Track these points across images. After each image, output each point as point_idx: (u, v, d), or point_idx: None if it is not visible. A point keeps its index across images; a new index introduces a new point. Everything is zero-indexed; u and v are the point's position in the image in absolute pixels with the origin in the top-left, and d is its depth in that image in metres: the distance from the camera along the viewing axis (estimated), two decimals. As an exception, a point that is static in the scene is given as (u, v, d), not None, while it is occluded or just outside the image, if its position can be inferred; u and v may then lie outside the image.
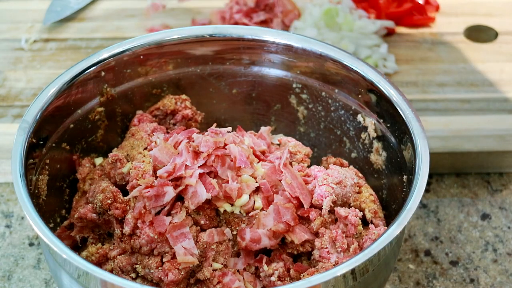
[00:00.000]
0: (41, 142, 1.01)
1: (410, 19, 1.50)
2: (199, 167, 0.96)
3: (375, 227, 0.99)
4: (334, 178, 1.00)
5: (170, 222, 0.95)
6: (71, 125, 1.06)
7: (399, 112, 1.01)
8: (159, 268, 0.95)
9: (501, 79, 1.39)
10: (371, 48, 1.43)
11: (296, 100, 1.14)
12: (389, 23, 1.48)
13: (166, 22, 1.52)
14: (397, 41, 1.48)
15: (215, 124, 1.06)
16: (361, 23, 1.47)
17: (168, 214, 0.96)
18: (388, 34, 1.49)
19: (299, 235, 0.97)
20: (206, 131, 1.01)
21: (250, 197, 0.98)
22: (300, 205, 0.99)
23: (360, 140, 1.10)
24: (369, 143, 1.09)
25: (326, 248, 0.97)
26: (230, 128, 1.02)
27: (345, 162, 1.09)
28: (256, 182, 0.99)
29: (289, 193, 0.98)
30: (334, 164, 1.07)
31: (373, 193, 1.04)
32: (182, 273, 0.94)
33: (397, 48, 1.46)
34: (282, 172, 0.99)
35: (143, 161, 0.99)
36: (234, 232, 0.98)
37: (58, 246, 0.86)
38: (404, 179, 1.00)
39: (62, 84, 1.03)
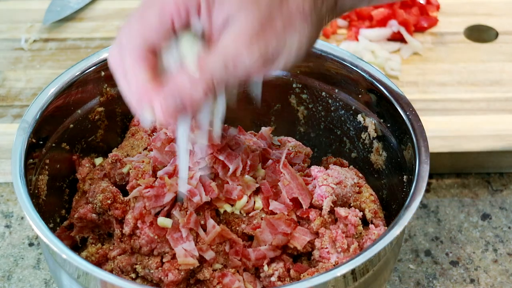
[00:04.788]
0: (41, 142, 1.01)
1: (417, 24, 1.49)
2: (199, 169, 0.96)
3: (375, 227, 0.99)
4: (334, 178, 1.00)
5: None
6: (71, 125, 1.06)
7: (399, 112, 1.01)
8: (159, 268, 0.94)
9: (502, 79, 1.38)
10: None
11: (296, 100, 1.14)
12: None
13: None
14: (397, 41, 1.48)
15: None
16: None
17: (168, 214, 0.96)
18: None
19: (300, 240, 0.97)
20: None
21: (250, 198, 0.97)
22: (299, 205, 0.98)
23: (360, 140, 1.10)
24: (369, 143, 1.09)
25: (326, 248, 0.97)
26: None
27: (345, 162, 1.09)
28: (257, 182, 0.98)
29: (286, 194, 0.98)
30: (334, 164, 1.06)
31: (373, 193, 1.04)
32: (182, 273, 0.94)
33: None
34: (282, 172, 0.99)
35: (143, 161, 0.99)
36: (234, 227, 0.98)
37: (58, 246, 0.86)
38: (404, 179, 1.00)
39: (62, 84, 1.03)
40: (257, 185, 0.98)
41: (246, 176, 0.98)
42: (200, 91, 0.80)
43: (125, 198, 0.98)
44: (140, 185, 0.96)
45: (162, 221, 0.94)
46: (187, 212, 0.95)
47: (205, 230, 0.96)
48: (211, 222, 0.95)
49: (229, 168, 0.96)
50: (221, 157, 0.96)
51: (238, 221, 0.97)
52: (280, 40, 0.81)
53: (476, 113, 1.31)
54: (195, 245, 0.94)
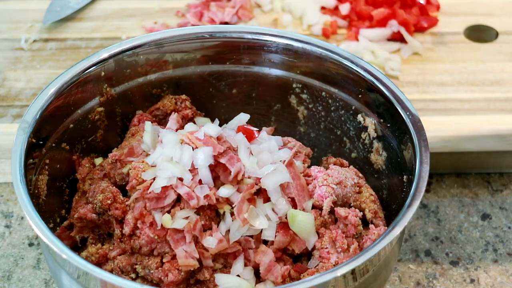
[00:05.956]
0: (41, 142, 1.01)
1: (417, 24, 1.49)
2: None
3: (375, 227, 0.99)
4: (334, 179, 1.00)
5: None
6: (71, 125, 1.06)
7: (399, 112, 1.01)
8: (159, 268, 0.94)
9: (501, 79, 1.38)
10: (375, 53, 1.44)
11: (296, 100, 1.14)
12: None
13: (166, 22, 1.52)
14: (397, 41, 1.48)
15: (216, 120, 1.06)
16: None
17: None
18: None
19: (299, 244, 0.97)
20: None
21: (251, 200, 0.97)
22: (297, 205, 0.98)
23: (360, 140, 1.10)
24: (369, 143, 1.09)
25: (326, 248, 0.97)
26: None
27: (345, 162, 1.09)
28: (257, 184, 0.98)
29: (286, 194, 0.98)
30: (334, 164, 1.06)
31: (373, 193, 1.04)
32: (182, 273, 0.94)
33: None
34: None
35: (143, 161, 0.99)
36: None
37: (58, 246, 0.86)
38: (404, 179, 1.00)
39: (62, 84, 1.03)
40: (258, 187, 0.97)
41: (247, 179, 0.97)
42: None
43: (128, 202, 0.97)
44: (139, 189, 0.96)
45: (167, 219, 0.94)
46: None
47: (205, 230, 0.96)
48: (218, 235, 0.95)
49: (231, 172, 0.96)
50: (222, 161, 0.96)
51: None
52: None
53: (476, 113, 1.31)
54: (195, 245, 0.94)
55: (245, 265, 0.96)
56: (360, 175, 1.07)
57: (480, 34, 1.49)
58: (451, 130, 1.28)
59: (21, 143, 0.96)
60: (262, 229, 0.96)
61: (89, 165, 1.07)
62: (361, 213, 1.00)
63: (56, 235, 0.96)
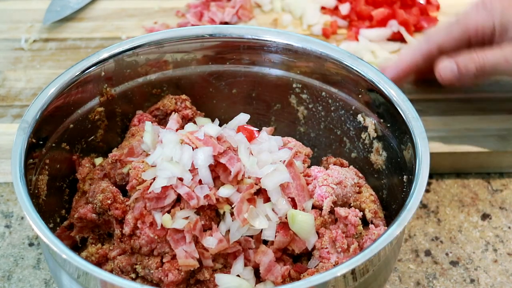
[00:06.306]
0: (41, 142, 1.01)
1: (417, 24, 1.49)
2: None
3: (375, 227, 0.99)
4: (334, 179, 1.00)
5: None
6: (71, 125, 1.06)
7: (399, 112, 1.01)
8: (159, 268, 0.94)
9: (501, 79, 1.38)
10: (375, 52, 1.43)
11: (296, 100, 1.14)
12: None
13: (166, 22, 1.52)
14: (397, 41, 1.48)
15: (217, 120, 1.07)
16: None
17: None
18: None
19: (299, 244, 0.97)
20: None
21: (251, 201, 0.97)
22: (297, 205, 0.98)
23: (360, 140, 1.10)
24: (369, 143, 1.09)
25: (326, 248, 0.97)
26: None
27: (345, 162, 1.09)
28: (257, 184, 0.98)
29: (286, 194, 0.98)
30: (334, 164, 1.07)
31: (373, 193, 1.04)
32: (182, 273, 0.94)
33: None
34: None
35: (143, 161, 0.99)
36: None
37: (58, 246, 0.86)
38: (404, 179, 1.00)
39: (62, 84, 1.03)
40: (258, 187, 0.97)
41: (247, 179, 0.97)
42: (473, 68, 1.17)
43: (128, 203, 0.97)
44: (139, 189, 0.96)
45: (167, 219, 0.94)
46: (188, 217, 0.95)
47: (205, 230, 0.96)
48: (218, 235, 0.95)
49: (231, 172, 0.96)
50: (222, 161, 0.96)
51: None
52: None
53: (476, 113, 1.31)
54: (195, 245, 0.94)
55: (245, 265, 0.96)
56: (360, 175, 1.07)
57: (480, 34, 1.49)
58: (451, 130, 1.28)
59: (21, 143, 0.96)
60: (262, 229, 0.96)
61: (89, 165, 1.07)
62: (361, 213, 1.00)
63: (56, 235, 0.96)
